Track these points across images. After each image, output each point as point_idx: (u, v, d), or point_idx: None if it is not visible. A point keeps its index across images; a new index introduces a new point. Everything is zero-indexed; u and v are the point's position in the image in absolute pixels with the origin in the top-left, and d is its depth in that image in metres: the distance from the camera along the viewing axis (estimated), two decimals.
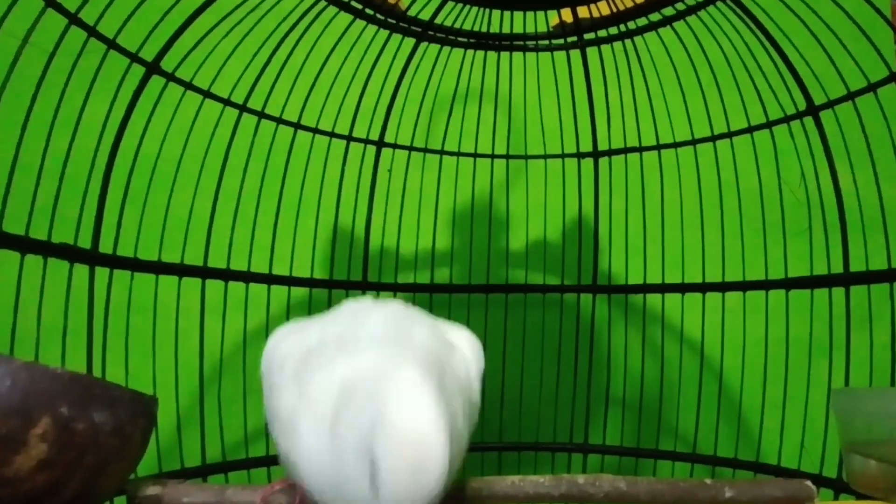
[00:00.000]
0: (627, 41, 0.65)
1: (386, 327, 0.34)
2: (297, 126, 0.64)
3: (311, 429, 0.31)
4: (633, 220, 0.71)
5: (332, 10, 0.59)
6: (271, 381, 0.35)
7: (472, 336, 0.40)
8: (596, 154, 0.72)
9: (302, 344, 0.35)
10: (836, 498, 0.53)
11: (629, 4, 0.60)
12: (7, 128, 0.41)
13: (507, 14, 0.64)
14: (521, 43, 0.67)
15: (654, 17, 0.62)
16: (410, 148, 0.71)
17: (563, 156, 0.73)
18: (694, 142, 0.67)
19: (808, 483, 0.41)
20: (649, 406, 0.71)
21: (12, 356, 0.32)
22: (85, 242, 0.48)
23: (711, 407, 0.66)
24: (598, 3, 0.60)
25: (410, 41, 0.65)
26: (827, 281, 0.57)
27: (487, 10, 0.62)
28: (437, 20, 0.62)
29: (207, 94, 0.57)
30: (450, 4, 0.61)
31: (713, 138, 0.66)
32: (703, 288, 0.66)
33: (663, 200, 0.69)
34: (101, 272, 0.49)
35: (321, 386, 0.31)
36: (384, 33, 0.63)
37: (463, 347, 0.38)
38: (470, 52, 0.67)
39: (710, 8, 0.58)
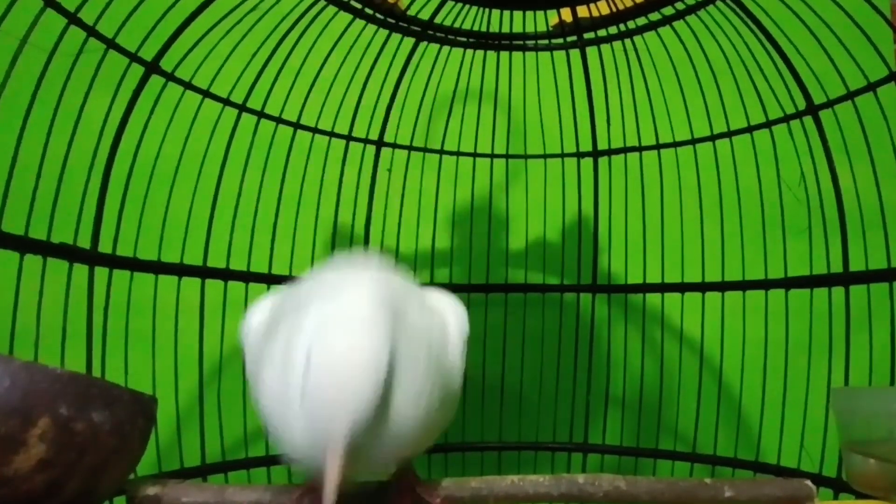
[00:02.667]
0: (627, 41, 0.65)
1: (355, 279, 0.33)
2: (297, 126, 0.64)
3: (270, 367, 0.31)
4: (633, 219, 0.71)
5: (332, 9, 0.59)
6: (247, 349, 0.36)
7: (455, 301, 0.40)
8: (595, 154, 0.72)
9: (273, 309, 0.35)
10: (835, 497, 0.53)
11: (629, 4, 0.60)
12: (6, 128, 0.41)
13: (506, 14, 0.64)
14: (521, 42, 0.67)
15: (654, 16, 0.61)
16: (410, 147, 0.71)
17: (562, 155, 0.73)
18: (693, 141, 0.67)
19: (808, 482, 0.41)
20: (649, 406, 0.71)
21: (11, 356, 0.32)
22: (84, 242, 0.48)
23: (711, 406, 0.66)
24: (598, 3, 0.60)
25: (410, 41, 0.65)
26: (826, 280, 0.57)
27: (487, 10, 0.62)
28: (437, 20, 0.62)
29: (207, 94, 0.57)
30: (449, 4, 0.61)
31: (713, 138, 0.66)
32: (703, 287, 0.66)
33: (663, 200, 0.69)
34: (101, 272, 0.49)
35: (285, 328, 0.31)
36: (384, 33, 0.63)
37: (443, 311, 0.38)
38: (469, 51, 0.67)
39: (710, 7, 0.58)
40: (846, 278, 0.55)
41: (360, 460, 0.29)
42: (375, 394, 0.27)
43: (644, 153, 0.70)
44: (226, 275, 0.59)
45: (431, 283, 0.72)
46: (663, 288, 0.69)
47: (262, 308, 0.37)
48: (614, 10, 0.61)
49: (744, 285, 0.64)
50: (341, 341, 0.27)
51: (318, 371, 0.27)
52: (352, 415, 0.27)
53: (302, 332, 0.29)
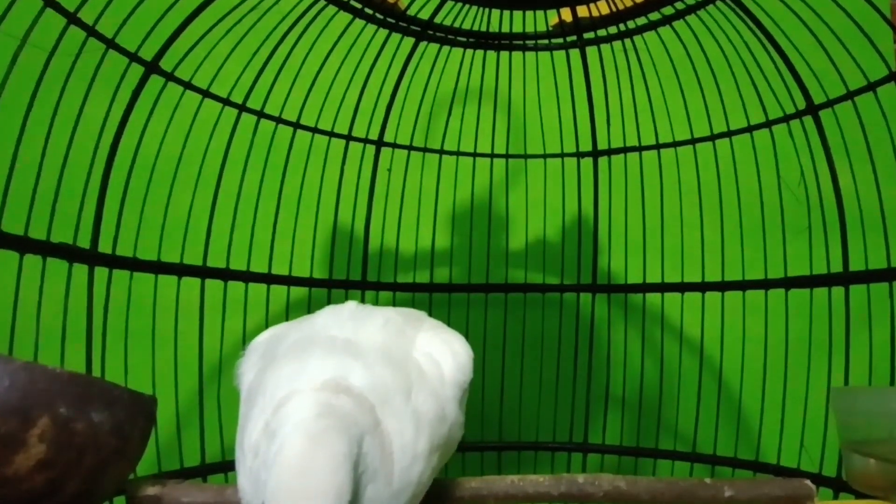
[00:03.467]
0: (627, 41, 0.65)
1: (332, 344, 0.34)
2: (297, 125, 0.64)
3: (240, 451, 0.32)
4: (633, 219, 0.71)
5: (332, 9, 0.59)
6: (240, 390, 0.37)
7: (461, 345, 0.39)
8: (595, 153, 0.72)
9: (264, 357, 0.36)
10: (835, 497, 0.53)
11: (628, 4, 0.60)
12: (6, 128, 0.41)
13: (506, 13, 0.64)
14: (521, 42, 0.67)
15: (654, 16, 0.61)
16: (410, 147, 0.71)
17: (562, 155, 0.73)
18: (693, 141, 0.67)
19: (808, 482, 0.41)
20: (649, 405, 0.71)
21: (11, 356, 0.32)
22: (84, 242, 0.48)
23: (711, 406, 0.66)
24: (598, 3, 0.60)
25: (410, 40, 0.65)
26: (826, 280, 0.57)
27: (487, 10, 0.62)
28: (437, 19, 0.62)
29: (206, 94, 0.57)
30: (449, 4, 0.61)
31: (712, 138, 0.66)
32: (703, 287, 0.66)
33: (663, 200, 0.69)
34: (101, 272, 0.49)
35: (259, 409, 0.31)
36: (383, 32, 0.63)
37: (440, 359, 0.38)
38: (469, 51, 0.67)
39: (710, 7, 0.58)
40: (846, 278, 0.55)
41: None
42: None
43: (644, 153, 0.70)
44: (225, 275, 0.59)
45: (431, 282, 0.72)
46: (663, 288, 0.69)
47: (256, 348, 0.39)
48: (614, 9, 0.61)
49: (744, 285, 0.64)
50: (300, 470, 0.27)
51: (278, 498, 0.26)
52: None
53: (265, 441, 0.29)
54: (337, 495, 0.27)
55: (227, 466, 0.58)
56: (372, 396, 0.31)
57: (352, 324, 0.37)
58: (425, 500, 0.39)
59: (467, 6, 0.61)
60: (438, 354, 0.38)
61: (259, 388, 0.33)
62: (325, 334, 0.35)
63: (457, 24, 0.64)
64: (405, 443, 0.32)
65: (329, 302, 0.65)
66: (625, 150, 0.71)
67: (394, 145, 0.70)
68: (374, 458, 0.30)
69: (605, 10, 0.61)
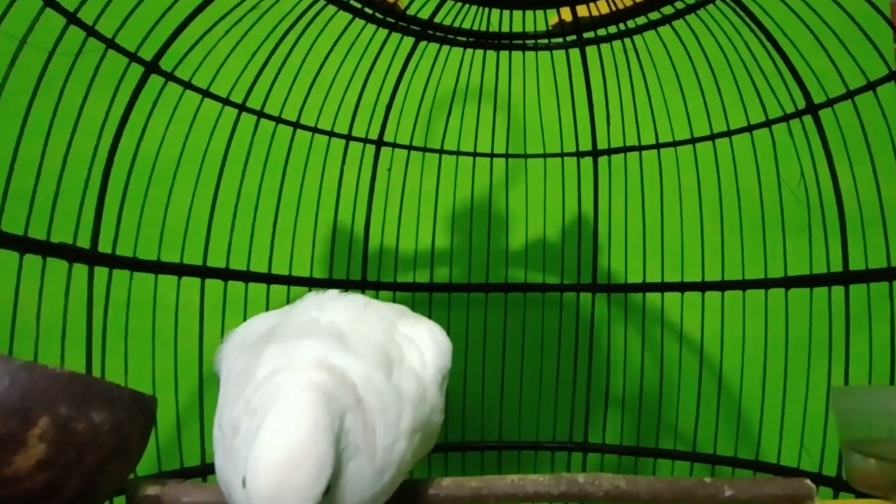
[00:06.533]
0: (626, 40, 0.65)
1: (322, 326, 0.35)
2: (296, 125, 0.64)
3: (218, 430, 0.32)
4: (633, 219, 0.71)
5: (331, 9, 0.58)
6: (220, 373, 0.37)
7: (441, 334, 0.40)
8: (595, 153, 0.72)
9: (245, 345, 0.36)
10: (835, 496, 0.53)
11: (628, 3, 0.60)
12: (6, 127, 0.41)
13: (506, 13, 0.64)
14: (521, 42, 0.67)
15: (654, 15, 0.61)
16: (410, 147, 0.71)
17: (562, 155, 0.73)
18: (693, 141, 0.67)
19: (808, 481, 0.41)
20: (649, 405, 0.71)
21: (11, 356, 0.32)
22: (84, 242, 0.48)
23: (711, 405, 0.66)
24: (598, 2, 0.60)
25: (410, 40, 0.65)
26: (826, 279, 0.57)
27: (487, 9, 0.62)
28: (437, 19, 0.62)
29: (206, 94, 0.57)
30: (449, 3, 0.61)
31: (712, 137, 0.66)
32: (703, 287, 0.66)
33: (662, 199, 0.69)
34: (101, 272, 0.49)
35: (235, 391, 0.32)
36: (383, 32, 0.63)
37: (422, 344, 0.38)
38: (469, 51, 0.67)
39: (710, 7, 0.58)
40: (846, 277, 0.55)
41: None
42: (319, 492, 0.27)
43: (644, 153, 0.70)
44: (225, 274, 0.59)
45: (431, 282, 0.72)
46: (663, 287, 0.69)
47: (237, 334, 0.39)
48: (614, 9, 0.61)
49: (744, 285, 0.64)
50: (283, 440, 0.27)
51: (259, 469, 0.27)
52: None
53: (246, 418, 0.29)
54: (319, 466, 0.27)
55: None
56: (353, 375, 0.32)
57: (332, 306, 0.37)
58: (428, 500, 0.39)
59: (467, 6, 0.61)
60: (419, 339, 0.39)
61: (240, 369, 0.33)
62: (306, 317, 0.36)
63: (457, 24, 0.64)
64: (388, 421, 0.32)
65: None
66: (625, 149, 0.71)
67: (394, 145, 0.70)
68: (356, 435, 0.30)
69: (604, 10, 0.61)
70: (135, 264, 0.52)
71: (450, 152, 0.72)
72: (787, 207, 0.63)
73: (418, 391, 0.35)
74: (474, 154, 0.73)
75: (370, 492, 0.31)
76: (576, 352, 0.72)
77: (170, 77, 0.54)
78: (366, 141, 0.69)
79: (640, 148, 0.70)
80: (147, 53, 0.51)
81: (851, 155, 0.56)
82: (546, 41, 0.67)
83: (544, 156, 0.73)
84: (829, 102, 0.57)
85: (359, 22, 0.61)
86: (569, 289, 0.73)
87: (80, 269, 0.48)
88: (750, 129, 0.63)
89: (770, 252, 0.63)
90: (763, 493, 0.41)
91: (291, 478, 0.26)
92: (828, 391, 0.54)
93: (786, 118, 0.60)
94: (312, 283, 0.66)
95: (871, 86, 0.53)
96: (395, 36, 0.64)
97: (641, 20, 0.62)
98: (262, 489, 0.26)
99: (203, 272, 0.58)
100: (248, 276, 0.61)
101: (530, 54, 0.68)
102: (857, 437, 0.43)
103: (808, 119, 0.58)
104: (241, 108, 0.59)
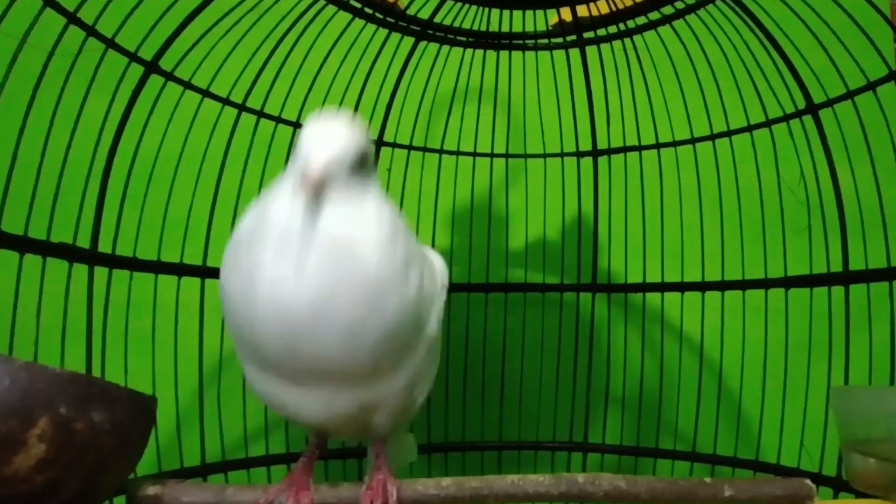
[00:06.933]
0: (627, 40, 0.65)
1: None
2: (297, 125, 0.64)
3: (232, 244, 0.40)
4: (633, 219, 0.71)
5: (331, 8, 0.58)
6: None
7: (439, 256, 0.46)
8: (595, 153, 0.72)
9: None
10: (835, 496, 0.53)
11: (628, 3, 0.60)
12: (6, 127, 0.41)
13: (506, 13, 0.64)
14: (521, 42, 0.67)
15: (654, 15, 0.61)
16: (409, 147, 0.71)
17: (562, 155, 0.73)
18: (693, 141, 0.67)
19: (808, 481, 0.42)
20: (649, 405, 0.71)
21: (11, 356, 0.32)
22: (84, 242, 0.48)
23: (711, 405, 0.66)
24: (598, 2, 0.60)
25: (409, 40, 0.65)
26: (826, 279, 0.57)
27: (487, 9, 0.62)
28: (437, 19, 0.62)
29: (206, 94, 0.57)
30: (449, 3, 0.61)
31: (712, 137, 0.66)
32: (703, 287, 0.66)
33: (662, 199, 0.69)
34: (101, 272, 0.49)
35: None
36: (383, 32, 0.63)
37: (434, 258, 0.44)
38: (469, 50, 0.67)
39: (710, 7, 0.58)
40: (846, 277, 0.55)
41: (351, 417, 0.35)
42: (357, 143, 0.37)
43: (644, 152, 0.70)
44: None
45: None
46: (663, 287, 0.69)
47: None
48: (614, 9, 0.61)
49: (744, 285, 0.64)
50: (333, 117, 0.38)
51: (312, 120, 0.37)
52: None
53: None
54: (360, 132, 0.38)
55: (227, 466, 0.58)
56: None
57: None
58: (428, 500, 0.39)
59: (467, 6, 0.61)
60: (430, 254, 0.45)
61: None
62: None
63: (457, 24, 0.64)
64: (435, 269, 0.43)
65: None
66: (625, 149, 0.71)
67: (393, 145, 0.70)
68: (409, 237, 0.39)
69: (604, 10, 0.61)
70: (135, 264, 0.52)
71: (450, 152, 0.72)
72: (787, 207, 0.63)
73: (434, 288, 0.41)
74: (474, 154, 0.73)
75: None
76: (576, 352, 0.72)
77: (170, 77, 0.54)
78: None
79: (640, 148, 0.70)
80: (147, 53, 0.51)
81: (851, 155, 0.56)
82: (546, 41, 0.67)
83: (544, 156, 0.73)
84: (829, 102, 0.57)
85: (359, 22, 0.61)
86: (569, 289, 0.73)
87: (80, 269, 0.48)
88: (750, 129, 0.63)
89: (770, 252, 0.63)
90: (763, 493, 0.41)
91: (338, 125, 0.37)
92: (828, 391, 0.54)
93: (786, 118, 0.60)
94: None
95: (871, 86, 0.53)
96: (395, 36, 0.64)
97: (641, 20, 0.62)
98: (313, 128, 0.37)
99: (203, 272, 0.58)
100: None
101: (530, 54, 0.68)
102: (856, 437, 0.43)
103: (808, 119, 0.58)
104: (241, 108, 0.59)
